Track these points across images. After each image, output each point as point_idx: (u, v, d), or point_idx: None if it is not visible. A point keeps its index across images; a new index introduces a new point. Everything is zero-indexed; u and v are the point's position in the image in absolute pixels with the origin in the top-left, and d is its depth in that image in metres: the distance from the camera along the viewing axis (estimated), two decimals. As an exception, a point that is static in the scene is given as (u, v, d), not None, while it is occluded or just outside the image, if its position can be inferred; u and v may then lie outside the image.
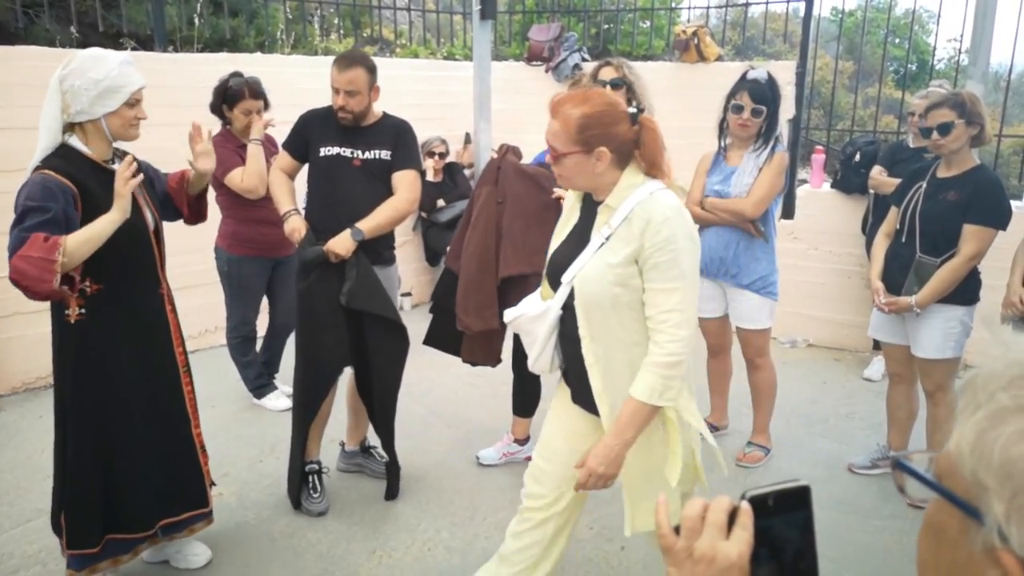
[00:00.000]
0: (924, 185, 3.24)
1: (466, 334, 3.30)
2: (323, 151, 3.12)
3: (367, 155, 3.13)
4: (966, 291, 3.17)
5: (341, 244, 3.03)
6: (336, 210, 3.09)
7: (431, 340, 3.51)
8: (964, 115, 3.08)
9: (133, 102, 2.38)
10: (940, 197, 3.17)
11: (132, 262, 2.48)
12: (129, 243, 2.42)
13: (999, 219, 3.10)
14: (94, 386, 2.46)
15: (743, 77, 3.52)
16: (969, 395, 0.61)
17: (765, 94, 3.44)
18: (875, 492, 3.45)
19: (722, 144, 3.63)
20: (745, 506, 0.74)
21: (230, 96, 3.85)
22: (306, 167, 3.24)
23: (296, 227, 3.11)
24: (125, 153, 2.52)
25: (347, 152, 3.11)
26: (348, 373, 3.38)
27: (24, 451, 3.76)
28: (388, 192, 3.17)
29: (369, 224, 3.08)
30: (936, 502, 0.64)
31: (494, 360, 3.41)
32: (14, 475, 3.53)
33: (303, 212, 3.23)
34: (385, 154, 3.15)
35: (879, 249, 3.41)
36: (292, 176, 3.28)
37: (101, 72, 2.29)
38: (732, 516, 0.75)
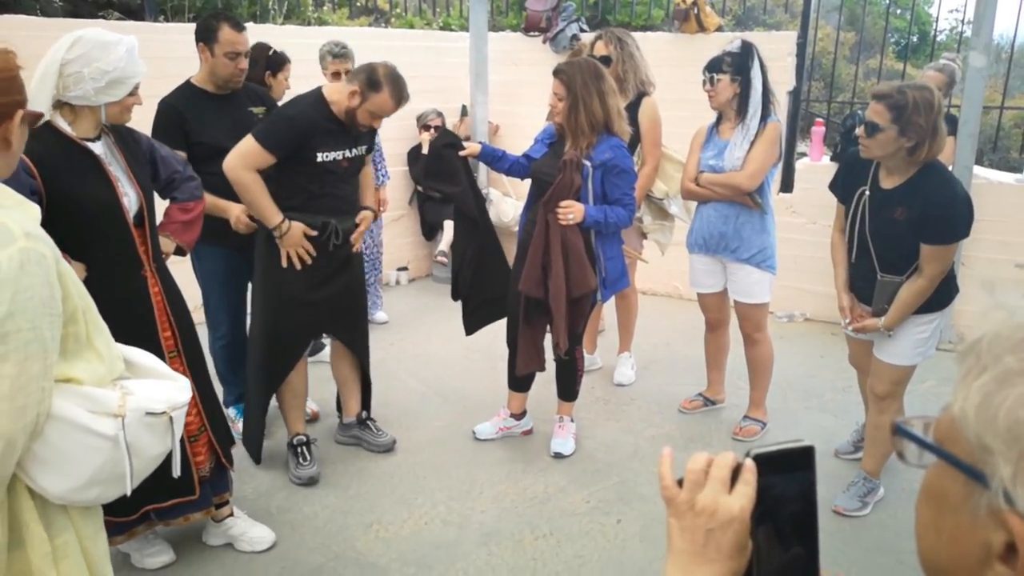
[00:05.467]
0: (868, 192, 2.86)
1: (519, 348, 3.40)
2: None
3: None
4: (939, 299, 2.88)
5: None
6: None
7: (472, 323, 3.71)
8: (899, 121, 2.63)
9: (134, 91, 2.36)
10: (887, 216, 2.81)
11: (101, 245, 2.37)
12: (97, 225, 2.34)
13: (957, 233, 2.76)
14: None
15: None
16: (973, 358, 0.60)
17: (719, 61, 3.38)
18: (871, 466, 3.45)
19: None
20: (749, 463, 0.75)
21: (275, 62, 3.79)
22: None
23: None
24: (116, 127, 2.47)
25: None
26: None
27: None
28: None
29: None
30: (936, 467, 0.63)
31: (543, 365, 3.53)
32: None
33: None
34: None
35: (838, 252, 3.09)
36: None
37: (110, 63, 2.24)
38: (736, 472, 0.76)
